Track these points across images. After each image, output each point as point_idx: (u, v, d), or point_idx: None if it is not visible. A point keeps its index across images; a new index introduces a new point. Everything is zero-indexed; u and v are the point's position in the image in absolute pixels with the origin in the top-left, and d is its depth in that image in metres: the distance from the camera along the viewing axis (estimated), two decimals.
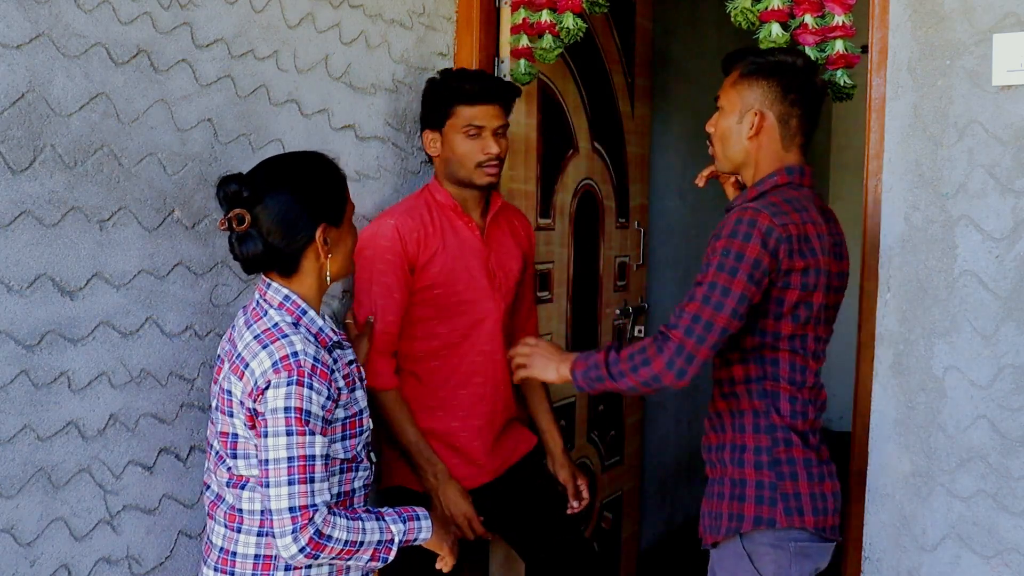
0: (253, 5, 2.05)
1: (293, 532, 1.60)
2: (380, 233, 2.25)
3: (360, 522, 1.69)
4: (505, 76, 2.69)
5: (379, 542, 1.71)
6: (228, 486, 1.72)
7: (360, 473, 1.80)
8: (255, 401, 1.64)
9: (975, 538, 2.03)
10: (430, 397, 2.31)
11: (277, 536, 1.61)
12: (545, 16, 2.53)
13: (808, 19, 2.12)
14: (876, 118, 2.14)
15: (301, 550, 1.61)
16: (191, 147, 1.92)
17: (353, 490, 1.78)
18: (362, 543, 1.68)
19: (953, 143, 2.03)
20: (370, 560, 1.72)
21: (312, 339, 1.70)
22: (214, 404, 1.75)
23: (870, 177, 2.15)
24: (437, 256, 2.26)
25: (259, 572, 1.70)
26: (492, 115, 2.28)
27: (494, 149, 2.27)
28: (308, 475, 1.62)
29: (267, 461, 1.62)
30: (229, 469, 1.72)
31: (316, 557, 1.64)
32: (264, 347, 1.65)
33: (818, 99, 1.96)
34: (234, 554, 1.72)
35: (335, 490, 1.74)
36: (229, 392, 1.70)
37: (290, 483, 1.61)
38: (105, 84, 1.75)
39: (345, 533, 1.65)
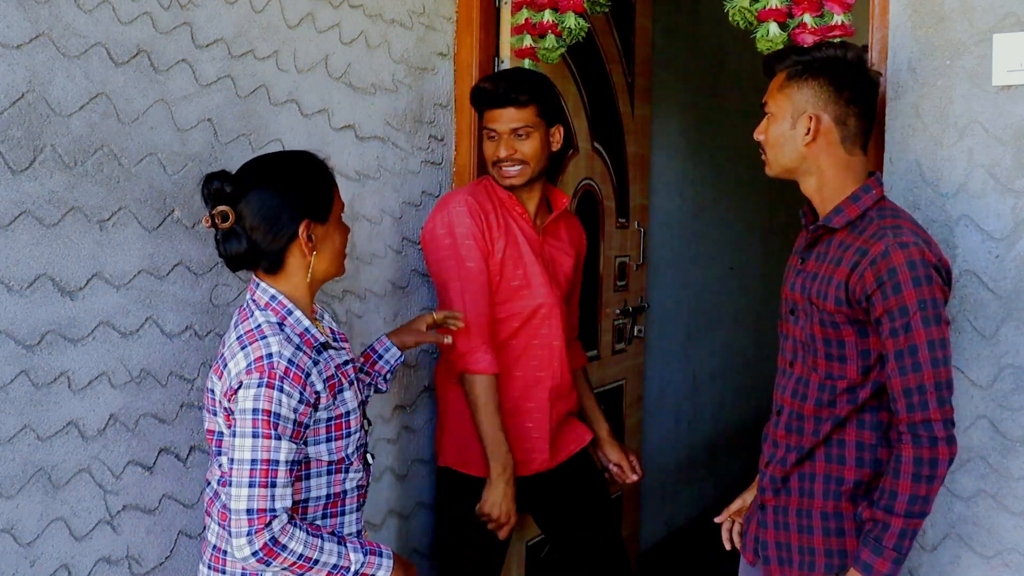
0: (253, 5, 2.05)
1: (249, 534, 1.59)
2: (455, 219, 2.29)
3: (320, 540, 1.67)
4: None
5: (335, 566, 1.68)
6: (219, 484, 1.74)
7: (351, 475, 1.79)
8: (229, 400, 1.65)
9: (975, 538, 2.03)
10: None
11: (233, 536, 1.60)
12: (547, 16, 2.54)
13: (807, 18, 2.12)
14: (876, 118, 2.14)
15: (254, 554, 1.60)
16: (191, 147, 1.92)
17: (344, 492, 1.78)
18: (317, 561, 1.65)
19: (953, 143, 2.03)
20: None
21: (296, 340, 1.70)
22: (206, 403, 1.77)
23: None
24: (499, 241, 2.32)
25: (248, 571, 1.70)
26: (505, 118, 2.30)
27: (501, 152, 2.31)
28: (270, 479, 1.61)
29: (232, 460, 1.63)
30: (220, 466, 1.73)
31: (268, 564, 1.62)
32: (243, 348, 1.66)
33: (873, 92, 1.84)
34: (225, 552, 1.72)
35: (323, 491, 1.75)
36: (212, 391, 1.71)
37: (251, 485, 1.60)
38: (105, 84, 1.75)
39: (301, 546, 1.63)
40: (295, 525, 1.64)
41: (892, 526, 1.67)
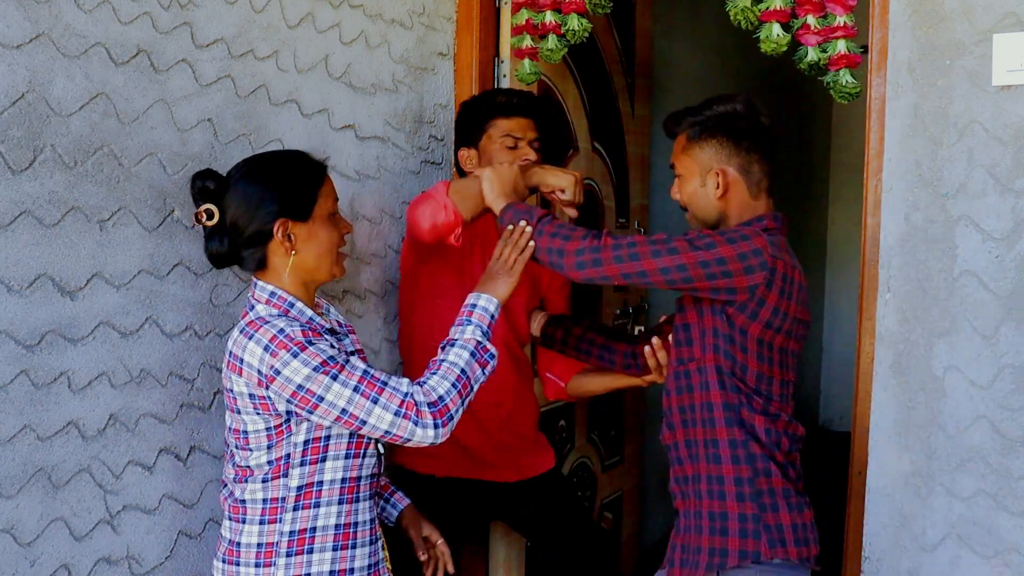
0: (253, 5, 2.05)
1: (415, 424, 1.65)
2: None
3: (443, 363, 1.74)
4: (505, 76, 2.69)
5: (472, 354, 1.76)
6: (235, 481, 1.74)
7: (367, 460, 1.80)
8: (267, 388, 1.65)
9: (975, 538, 2.03)
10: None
11: (414, 442, 1.66)
12: (549, 17, 2.53)
13: (810, 20, 2.11)
14: (876, 118, 2.14)
15: (435, 427, 1.66)
16: (191, 147, 1.92)
17: (359, 478, 1.79)
18: (464, 371, 1.74)
19: (953, 143, 2.03)
20: (483, 370, 1.78)
21: (301, 324, 1.71)
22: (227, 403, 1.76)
23: (870, 177, 2.15)
24: (453, 248, 2.24)
25: (261, 560, 1.71)
26: (527, 127, 2.31)
27: (532, 156, 2.29)
28: (379, 383, 1.66)
29: (344, 412, 1.64)
30: (236, 465, 1.74)
31: (452, 418, 1.69)
32: (250, 338, 1.67)
33: (770, 137, 1.92)
34: (239, 544, 1.73)
35: (339, 475, 1.75)
36: (231, 390, 1.71)
37: (375, 402, 1.65)
38: (105, 84, 1.75)
39: (445, 382, 1.71)
40: (422, 383, 1.70)
41: (534, 209, 1.94)
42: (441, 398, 1.68)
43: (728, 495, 1.81)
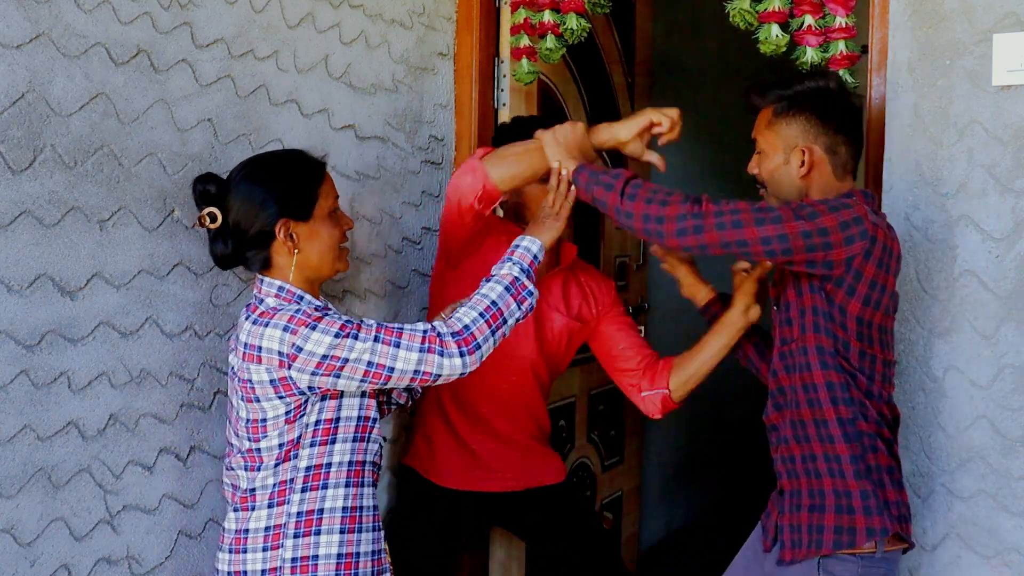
0: (253, 5, 2.05)
1: (441, 356, 1.67)
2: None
3: (476, 296, 1.76)
4: (505, 76, 2.69)
5: (507, 288, 1.77)
6: (246, 470, 1.75)
7: (371, 445, 1.82)
8: (289, 368, 1.66)
9: (975, 538, 2.03)
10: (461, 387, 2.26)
11: (444, 375, 1.68)
12: (548, 16, 2.53)
13: (809, 20, 2.11)
14: (876, 118, 2.14)
15: (461, 355, 1.68)
16: (191, 147, 1.92)
17: (364, 462, 1.80)
18: (495, 303, 1.74)
19: (953, 143, 2.03)
20: (518, 305, 1.78)
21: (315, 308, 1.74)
22: (235, 400, 1.76)
23: (870, 177, 2.15)
24: (487, 250, 2.19)
25: (269, 543, 1.72)
26: None
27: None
28: (396, 329, 1.69)
29: (370, 365, 1.66)
30: (246, 454, 1.74)
31: (479, 347, 1.71)
32: (266, 325, 1.68)
33: (858, 119, 1.88)
34: (247, 531, 1.74)
35: (347, 457, 1.77)
36: (249, 380, 1.71)
37: (397, 346, 1.67)
38: (105, 84, 1.75)
39: (473, 312, 1.73)
40: (445, 322, 1.72)
41: (617, 171, 1.85)
42: (467, 327, 1.70)
43: (847, 473, 1.77)
